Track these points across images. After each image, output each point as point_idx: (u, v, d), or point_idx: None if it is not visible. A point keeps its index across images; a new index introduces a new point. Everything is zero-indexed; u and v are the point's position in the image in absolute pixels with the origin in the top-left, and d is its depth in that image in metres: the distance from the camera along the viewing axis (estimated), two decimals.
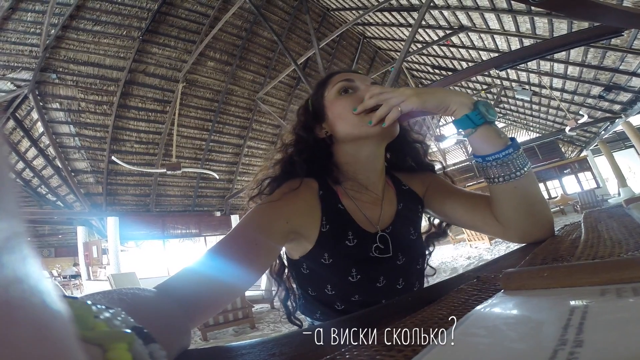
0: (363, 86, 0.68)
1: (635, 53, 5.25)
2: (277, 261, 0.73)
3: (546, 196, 12.97)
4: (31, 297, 0.08)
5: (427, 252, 0.78)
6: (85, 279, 8.63)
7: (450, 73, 8.79)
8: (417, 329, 0.26)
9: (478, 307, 0.25)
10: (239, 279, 0.50)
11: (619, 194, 10.38)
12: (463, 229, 8.13)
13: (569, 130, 7.61)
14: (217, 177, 7.71)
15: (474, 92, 10.26)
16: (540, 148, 12.85)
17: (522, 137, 13.63)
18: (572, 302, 0.22)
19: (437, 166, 0.81)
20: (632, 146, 10.25)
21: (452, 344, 0.19)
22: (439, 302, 0.33)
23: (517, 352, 0.17)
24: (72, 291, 10.91)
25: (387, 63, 9.69)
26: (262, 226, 0.55)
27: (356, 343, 0.26)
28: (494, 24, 6.06)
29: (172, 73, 7.15)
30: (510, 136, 0.59)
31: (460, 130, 0.60)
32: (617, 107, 7.44)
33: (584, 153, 12.26)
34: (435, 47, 8.01)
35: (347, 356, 0.24)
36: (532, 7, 4.93)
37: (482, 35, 6.63)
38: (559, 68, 6.78)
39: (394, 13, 7.24)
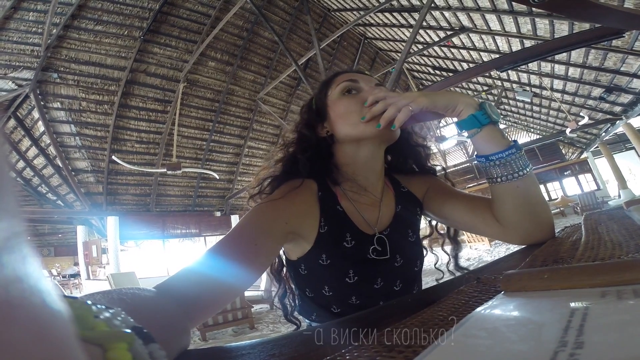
0: (367, 87, 0.68)
1: (636, 54, 5.25)
2: (277, 260, 0.73)
3: (546, 198, 12.94)
4: (31, 297, 0.08)
5: (452, 254, 0.77)
6: (85, 279, 8.63)
7: (451, 74, 8.80)
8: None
9: (478, 309, 0.25)
10: (239, 279, 0.50)
11: (619, 196, 10.37)
12: (462, 231, 8.12)
13: (570, 132, 7.60)
14: (218, 177, 7.71)
15: (475, 93, 10.27)
16: (540, 149, 12.84)
17: (522, 138, 13.62)
18: (573, 304, 0.22)
19: (438, 169, 0.81)
20: (633, 148, 10.24)
21: (452, 345, 0.19)
22: (439, 303, 0.33)
23: (517, 354, 0.17)
24: (72, 290, 10.92)
25: (388, 64, 9.69)
26: (261, 226, 0.55)
27: (356, 344, 0.26)
28: (495, 25, 6.06)
29: (173, 73, 7.16)
30: (513, 139, 0.60)
31: (464, 131, 0.61)
32: (617, 108, 7.44)
33: (584, 155, 12.25)
34: (436, 48, 8.01)
35: (348, 357, 0.24)
36: (533, 9, 4.93)
37: (483, 36, 6.64)
38: (559, 69, 6.78)
39: (394, 14, 7.25)
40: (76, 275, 11.68)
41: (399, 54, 8.23)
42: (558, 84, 7.41)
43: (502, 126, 12.43)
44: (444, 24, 6.90)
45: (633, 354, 0.14)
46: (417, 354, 0.20)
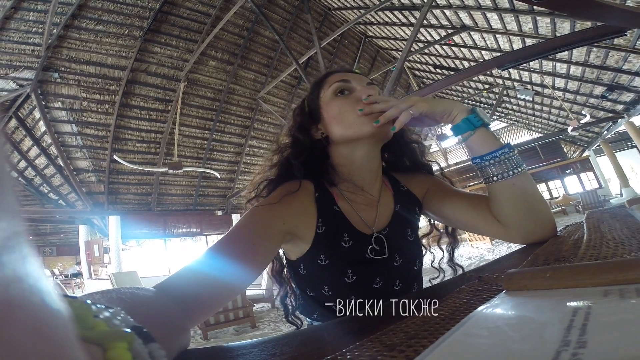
0: (359, 87, 0.68)
1: (638, 53, 5.23)
2: (277, 261, 0.73)
3: (548, 196, 12.96)
4: (31, 297, 0.08)
5: (448, 252, 0.78)
6: (87, 278, 8.66)
7: (452, 72, 8.77)
8: (419, 329, 0.26)
9: (480, 308, 0.25)
10: (237, 278, 0.50)
11: (621, 195, 10.34)
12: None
13: (571, 130, 7.57)
14: (219, 177, 7.72)
15: (476, 91, 10.25)
16: (542, 148, 12.82)
17: (524, 137, 13.60)
18: (575, 303, 0.22)
19: (435, 167, 0.81)
20: (635, 146, 10.21)
21: (454, 344, 0.19)
22: (441, 302, 0.33)
23: (519, 353, 0.17)
24: (74, 290, 10.95)
25: (389, 62, 9.67)
26: (259, 227, 0.56)
27: (357, 343, 0.26)
28: (496, 23, 6.04)
29: (173, 72, 7.16)
30: (505, 141, 0.62)
31: (458, 135, 0.63)
32: (619, 107, 7.41)
33: (586, 153, 12.22)
34: (437, 46, 7.99)
35: (349, 356, 0.24)
36: (535, 7, 4.91)
37: (484, 34, 6.61)
38: (561, 68, 6.76)
39: (395, 12, 7.23)
40: (77, 275, 11.72)
41: (400, 53, 8.22)
42: (560, 82, 7.38)
43: (502, 125, 12.37)
44: (444, 22, 6.88)
45: (636, 353, 0.14)
46: (418, 353, 0.20)
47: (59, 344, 0.08)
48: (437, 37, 7.51)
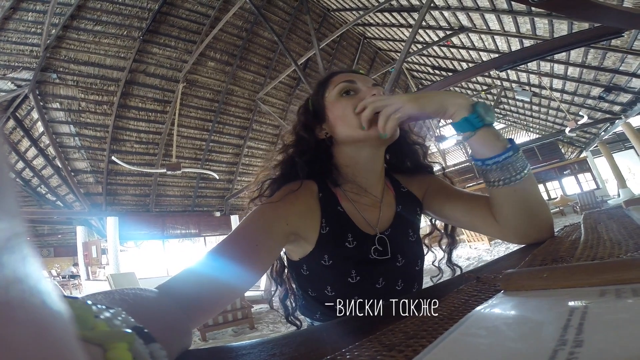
0: (364, 88, 0.67)
1: (635, 54, 5.25)
2: (278, 261, 0.73)
3: (546, 197, 12.97)
4: (31, 297, 0.08)
5: (446, 252, 0.78)
6: (85, 279, 8.62)
7: (450, 74, 8.80)
8: (418, 329, 0.26)
9: (478, 308, 0.25)
10: (240, 280, 0.50)
11: (619, 195, 10.38)
12: (463, 230, 8.13)
13: (569, 131, 7.61)
14: (217, 178, 7.71)
15: (474, 92, 10.27)
16: (540, 149, 12.85)
17: (522, 137, 13.63)
18: (572, 303, 0.22)
19: (437, 167, 0.81)
20: (632, 147, 10.25)
21: (452, 344, 0.20)
22: (439, 302, 0.33)
23: (517, 353, 0.17)
24: (72, 291, 10.90)
25: (388, 64, 9.69)
26: (262, 227, 0.55)
27: (357, 343, 0.26)
28: (494, 24, 6.06)
29: (172, 73, 7.15)
30: (508, 137, 0.58)
31: (459, 133, 0.59)
32: (617, 108, 7.45)
33: (583, 154, 12.26)
34: (435, 47, 8.01)
35: (348, 356, 0.24)
36: (533, 8, 4.93)
37: (483, 35, 6.64)
38: (559, 69, 6.78)
39: (394, 14, 7.25)
40: (76, 276, 11.67)
41: (399, 54, 8.23)
42: (557, 83, 7.41)
43: (500, 126, 12.36)
44: (443, 23, 6.90)
45: (632, 353, 0.14)
46: (417, 353, 0.20)
47: (59, 344, 0.08)
48: (436, 39, 7.53)
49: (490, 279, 0.38)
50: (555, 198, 12.06)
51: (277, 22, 7.83)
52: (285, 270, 0.74)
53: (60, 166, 6.69)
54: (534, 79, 7.77)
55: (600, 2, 2.30)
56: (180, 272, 0.46)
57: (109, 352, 0.14)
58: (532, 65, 7.12)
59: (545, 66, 6.95)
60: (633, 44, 5.11)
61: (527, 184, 0.57)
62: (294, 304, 0.73)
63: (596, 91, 6.93)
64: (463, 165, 13.02)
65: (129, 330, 0.16)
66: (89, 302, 0.17)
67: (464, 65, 8.30)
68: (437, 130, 11.53)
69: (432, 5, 5.96)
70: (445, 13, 6.37)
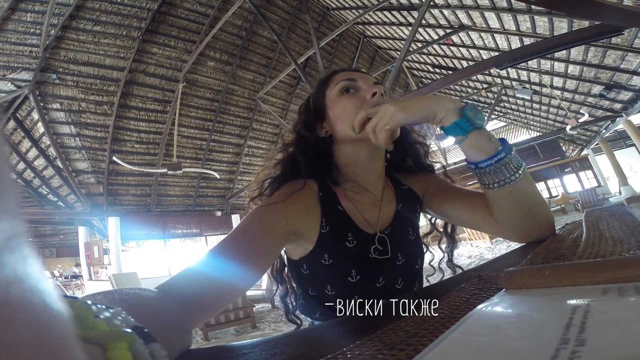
0: (365, 86, 0.67)
1: (635, 52, 5.24)
2: (278, 260, 0.73)
3: (547, 195, 12.97)
4: (31, 297, 0.08)
5: (445, 253, 0.78)
6: (87, 279, 8.64)
7: (450, 72, 8.78)
8: (419, 328, 0.26)
9: (479, 306, 0.25)
10: (240, 279, 0.50)
11: (620, 193, 10.36)
12: (464, 228, 8.12)
13: (570, 129, 7.59)
14: (218, 177, 7.72)
15: (475, 91, 10.25)
16: (541, 147, 12.83)
17: (522, 136, 13.61)
18: (574, 301, 0.22)
19: (437, 166, 0.81)
20: (633, 145, 10.24)
21: (454, 342, 0.19)
22: (441, 301, 0.33)
23: (519, 351, 0.17)
24: (74, 291, 10.92)
25: (388, 62, 9.68)
26: (262, 227, 0.55)
27: (357, 342, 0.26)
28: (494, 22, 6.05)
29: (172, 73, 7.15)
30: (500, 137, 0.58)
31: (449, 137, 0.59)
32: (617, 105, 7.43)
33: (584, 152, 12.23)
34: (435, 46, 7.99)
35: (349, 355, 0.24)
36: (532, 6, 4.92)
37: (483, 34, 6.62)
38: (559, 67, 6.77)
39: (394, 12, 7.24)
40: (78, 276, 11.69)
41: (399, 53, 8.22)
42: (558, 81, 7.39)
43: (502, 124, 12.34)
44: (443, 22, 6.88)
45: (635, 351, 0.14)
46: (418, 352, 0.20)
47: (59, 344, 0.08)
48: (436, 37, 7.52)
49: (491, 277, 0.38)
50: (557, 196, 12.05)
51: (276, 22, 7.82)
52: (286, 269, 0.74)
53: (61, 167, 6.70)
54: (535, 77, 7.75)
55: (600, 0, 2.29)
56: (180, 271, 0.46)
57: (109, 352, 0.14)
58: (533, 64, 7.10)
59: (546, 64, 6.93)
60: (633, 42, 5.09)
61: (522, 183, 0.56)
62: (294, 303, 0.73)
63: (597, 89, 6.92)
64: (464, 164, 12.96)
65: (129, 330, 0.16)
66: (89, 302, 0.17)
67: (464, 63, 8.28)
68: (438, 129, 11.50)
69: (431, 3, 5.95)
70: (445, 11, 6.36)
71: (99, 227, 8.04)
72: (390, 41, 9.06)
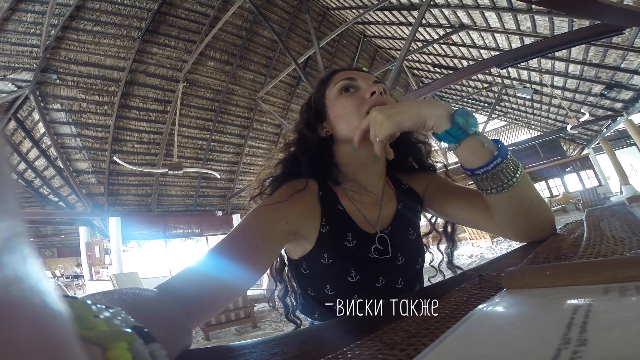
0: (364, 85, 0.67)
1: (636, 51, 5.23)
2: (278, 259, 0.73)
3: (548, 194, 12.95)
4: (31, 297, 0.08)
5: (443, 253, 0.77)
6: (88, 279, 8.66)
7: (451, 72, 8.77)
8: (419, 328, 0.26)
9: (480, 306, 0.25)
10: (240, 279, 0.50)
11: (621, 192, 10.34)
12: (465, 228, 8.12)
13: (571, 129, 7.58)
14: (219, 177, 7.72)
15: (475, 90, 10.24)
16: (541, 146, 12.82)
17: (523, 135, 13.60)
18: (575, 301, 0.22)
19: (439, 165, 0.80)
20: (634, 144, 10.22)
21: (455, 342, 0.19)
22: (441, 300, 0.33)
23: (520, 351, 0.17)
24: (75, 291, 10.93)
25: (388, 62, 9.67)
26: (262, 227, 0.55)
27: (358, 342, 0.26)
28: (494, 22, 6.04)
29: (172, 73, 7.16)
30: (494, 139, 0.56)
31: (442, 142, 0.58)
32: (618, 105, 7.42)
33: (585, 151, 12.22)
34: (435, 45, 7.99)
35: (349, 355, 0.24)
36: (533, 6, 4.91)
37: (483, 33, 6.61)
38: (560, 66, 6.76)
39: (394, 12, 7.23)
40: (79, 276, 11.70)
41: (399, 52, 8.21)
42: (558, 80, 7.38)
43: (502, 123, 12.31)
44: (443, 21, 6.88)
45: (636, 352, 0.14)
46: (419, 352, 0.19)
47: (59, 344, 0.08)
48: (436, 37, 7.51)
49: (492, 277, 0.38)
50: (558, 195, 12.05)
51: (276, 21, 7.82)
52: (286, 269, 0.74)
53: (62, 167, 6.71)
54: (535, 77, 7.74)
55: None
56: (180, 271, 0.46)
57: (109, 352, 0.14)
58: (533, 63, 7.09)
59: (546, 64, 6.92)
60: (634, 42, 5.08)
61: (521, 186, 0.55)
62: (294, 302, 0.73)
63: (597, 88, 6.91)
64: None
65: (128, 330, 0.16)
66: (89, 301, 0.17)
67: (465, 63, 8.27)
68: None
69: (431, 3, 5.95)
70: (445, 11, 6.35)
71: (100, 227, 8.05)
72: (391, 41, 9.06)
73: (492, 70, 7.33)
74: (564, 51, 5.94)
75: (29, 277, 0.08)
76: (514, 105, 10.57)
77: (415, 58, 9.54)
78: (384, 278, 0.64)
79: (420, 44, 8.08)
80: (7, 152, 0.09)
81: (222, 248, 0.51)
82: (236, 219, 9.23)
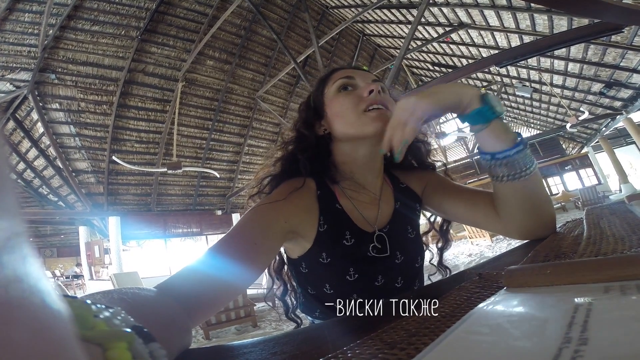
0: (363, 83, 0.67)
1: (635, 50, 5.23)
2: (277, 257, 0.73)
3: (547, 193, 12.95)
4: (31, 297, 0.08)
5: (437, 250, 0.77)
6: (88, 279, 8.66)
7: (450, 70, 8.77)
8: (420, 327, 0.26)
9: (480, 305, 0.25)
10: (239, 278, 0.50)
11: (620, 191, 10.35)
12: (464, 226, 8.12)
13: (570, 127, 7.59)
14: (218, 176, 7.72)
15: None
16: (541, 145, 12.82)
17: (522, 133, 13.50)
18: (576, 300, 0.22)
19: (438, 164, 0.80)
20: (633, 142, 10.22)
21: (455, 342, 0.19)
22: (441, 299, 0.33)
23: (521, 351, 0.17)
24: (75, 291, 10.93)
25: (387, 60, 9.67)
26: (260, 226, 0.55)
27: (358, 341, 0.26)
28: (493, 20, 6.04)
29: (171, 72, 7.15)
30: (515, 131, 0.57)
31: (468, 125, 0.57)
32: (618, 103, 7.43)
33: (585, 149, 12.23)
34: (435, 44, 7.99)
35: (349, 354, 0.24)
36: (532, 4, 4.91)
37: (482, 32, 6.61)
38: (559, 65, 6.76)
39: (393, 10, 7.22)
40: (79, 276, 11.69)
41: (398, 51, 8.20)
42: (558, 79, 7.39)
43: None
44: (442, 20, 6.87)
45: (637, 350, 0.14)
46: (419, 351, 0.19)
47: (58, 344, 0.08)
48: (435, 35, 7.51)
49: (492, 276, 0.38)
50: (557, 194, 12.05)
51: (275, 20, 7.81)
52: (285, 267, 0.74)
53: (61, 167, 6.71)
54: (534, 75, 7.75)
55: None
56: (179, 270, 0.45)
57: (109, 352, 0.14)
58: (532, 61, 7.09)
59: (546, 62, 6.92)
60: (633, 40, 5.09)
61: (533, 179, 0.55)
62: (294, 301, 0.73)
63: (597, 87, 6.91)
64: (464, 162, 13.00)
65: (128, 330, 0.16)
66: (88, 301, 0.17)
67: (464, 61, 8.28)
68: (438, 127, 11.52)
69: (431, 1, 5.94)
70: (445, 9, 6.35)
71: (99, 226, 8.04)
72: (390, 39, 9.05)
73: (491, 68, 7.35)
74: (563, 50, 5.94)
75: (29, 276, 0.08)
76: (513, 104, 10.58)
77: (414, 57, 9.54)
78: (383, 277, 0.64)
79: (419, 43, 8.08)
80: (6, 151, 0.09)
81: (221, 247, 0.51)
82: (236, 218, 9.24)
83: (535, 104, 9.57)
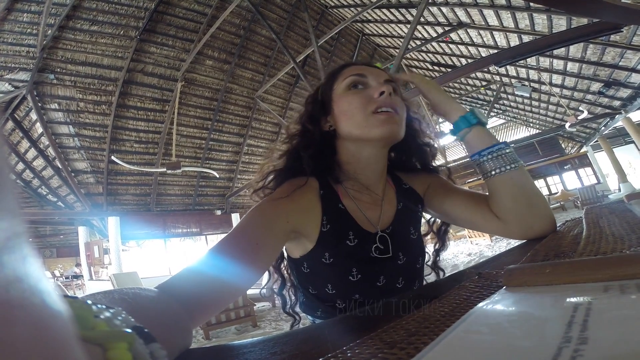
0: (374, 83, 0.65)
1: (634, 49, 5.24)
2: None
3: (546, 192, 12.97)
4: (31, 297, 0.08)
5: (434, 252, 0.78)
6: (88, 279, 8.65)
7: (449, 70, 8.77)
8: (419, 326, 0.26)
9: (480, 304, 0.25)
10: (241, 278, 0.50)
11: (620, 190, 10.38)
12: None
13: (569, 126, 7.60)
14: (217, 176, 7.71)
15: (474, 88, 10.24)
16: (540, 144, 12.83)
17: (522, 133, 13.62)
18: (576, 299, 0.22)
19: (442, 168, 0.80)
20: (632, 142, 10.23)
21: (455, 341, 0.19)
22: (441, 299, 0.33)
23: (521, 350, 0.17)
24: (75, 291, 10.91)
25: (387, 60, 9.66)
26: (262, 225, 0.55)
27: (358, 340, 0.26)
28: (492, 20, 6.04)
29: (170, 72, 7.14)
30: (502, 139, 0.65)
31: (456, 134, 0.67)
32: (617, 103, 7.43)
33: (584, 149, 12.25)
34: (434, 44, 7.99)
35: (349, 354, 0.24)
36: (531, 4, 4.91)
37: (481, 31, 6.61)
38: (558, 64, 6.76)
39: (392, 10, 7.22)
40: (79, 276, 11.68)
41: (397, 50, 8.20)
42: (557, 78, 7.39)
43: (501, 121, 12.37)
44: (441, 19, 6.87)
45: (637, 350, 0.14)
46: (419, 350, 0.19)
47: (59, 344, 0.08)
48: (434, 35, 7.51)
49: (492, 275, 0.38)
50: (556, 193, 12.07)
51: (274, 20, 7.80)
52: (284, 262, 0.73)
53: (61, 167, 6.70)
54: (534, 75, 7.75)
55: None
56: (180, 271, 0.45)
57: (109, 352, 0.14)
58: (531, 61, 7.10)
59: (545, 62, 6.93)
60: (632, 39, 5.09)
61: (521, 173, 0.61)
62: (293, 297, 0.73)
63: (596, 86, 6.92)
64: (463, 161, 13.00)
65: (129, 330, 0.16)
66: (89, 301, 0.17)
67: (463, 61, 8.27)
68: (437, 127, 11.52)
69: (430, 1, 5.94)
70: (444, 9, 6.34)
71: (99, 226, 8.04)
72: (389, 39, 9.05)
73: (490, 68, 7.34)
74: (562, 49, 5.94)
75: (29, 277, 0.08)
76: (512, 103, 10.59)
77: (413, 56, 9.54)
78: (385, 277, 0.64)
79: (418, 42, 8.08)
80: (5, 152, 0.09)
81: (223, 247, 0.51)
82: (235, 218, 9.23)
83: (535, 103, 9.58)
